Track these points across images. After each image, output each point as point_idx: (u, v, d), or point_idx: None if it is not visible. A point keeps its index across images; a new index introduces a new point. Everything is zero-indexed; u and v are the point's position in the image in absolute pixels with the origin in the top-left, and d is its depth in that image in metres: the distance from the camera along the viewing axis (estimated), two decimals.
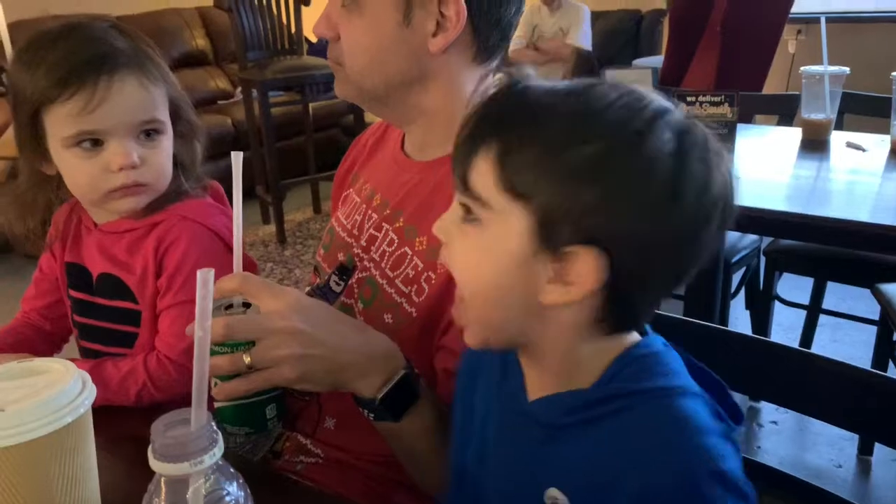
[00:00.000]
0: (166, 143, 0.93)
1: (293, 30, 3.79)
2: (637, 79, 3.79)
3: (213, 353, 0.69)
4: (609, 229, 0.54)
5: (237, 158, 0.73)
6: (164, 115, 0.93)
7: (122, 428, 0.82)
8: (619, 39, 4.65)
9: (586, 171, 0.53)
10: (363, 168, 1.03)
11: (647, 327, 0.63)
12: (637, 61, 4.25)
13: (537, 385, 0.64)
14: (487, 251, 0.58)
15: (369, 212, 0.94)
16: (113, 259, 0.96)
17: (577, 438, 0.59)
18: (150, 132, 0.91)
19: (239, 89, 4.30)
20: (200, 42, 4.73)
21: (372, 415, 0.76)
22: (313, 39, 4.36)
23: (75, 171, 0.90)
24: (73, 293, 1.00)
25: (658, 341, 0.62)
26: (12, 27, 3.48)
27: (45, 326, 1.05)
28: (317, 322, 0.72)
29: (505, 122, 0.57)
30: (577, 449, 0.59)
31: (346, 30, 0.85)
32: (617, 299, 0.57)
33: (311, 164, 4.01)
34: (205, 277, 0.50)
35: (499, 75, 0.61)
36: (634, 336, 0.62)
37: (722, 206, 0.56)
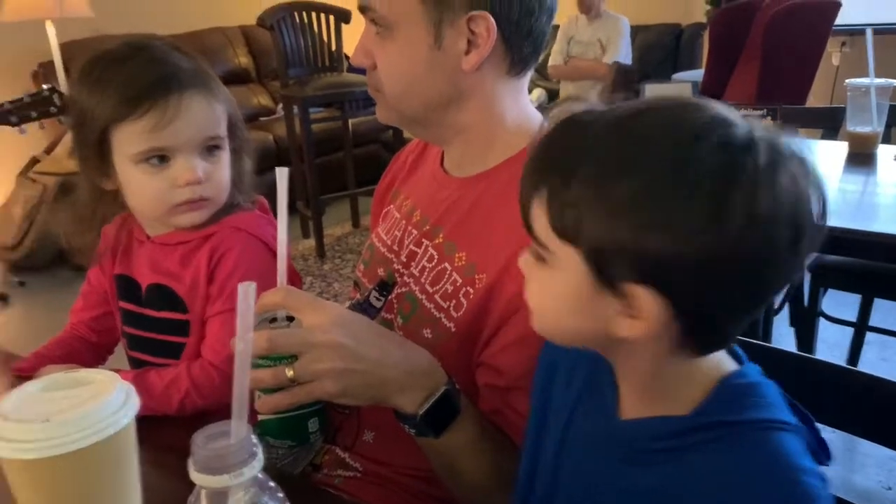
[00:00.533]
0: (226, 158, 0.97)
1: (333, 47, 3.85)
2: (676, 93, 3.76)
3: (256, 366, 0.70)
4: (655, 266, 0.52)
5: (283, 174, 0.74)
6: (224, 132, 0.96)
7: (164, 438, 0.83)
8: (659, 53, 4.61)
9: (621, 207, 0.52)
10: (403, 184, 1.04)
11: (744, 356, 0.62)
12: (677, 75, 4.22)
13: (631, 404, 0.63)
14: (554, 291, 0.59)
15: (409, 228, 0.95)
16: (164, 270, 0.98)
17: (664, 465, 0.58)
18: (212, 148, 0.95)
19: (280, 106, 4.36)
20: (243, 60, 4.82)
21: (413, 430, 0.76)
22: None
23: (143, 186, 0.93)
24: (122, 304, 1.03)
25: (755, 371, 0.61)
26: (64, 47, 3.58)
27: (92, 338, 1.08)
28: (359, 336, 0.73)
29: (550, 165, 0.57)
30: (662, 475, 0.58)
31: (381, 57, 0.86)
32: (690, 328, 0.55)
33: (351, 179, 4.05)
34: (246, 291, 0.51)
35: (555, 111, 0.60)
36: (730, 363, 0.61)
37: (792, 224, 0.53)
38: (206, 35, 4.58)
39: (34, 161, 3.66)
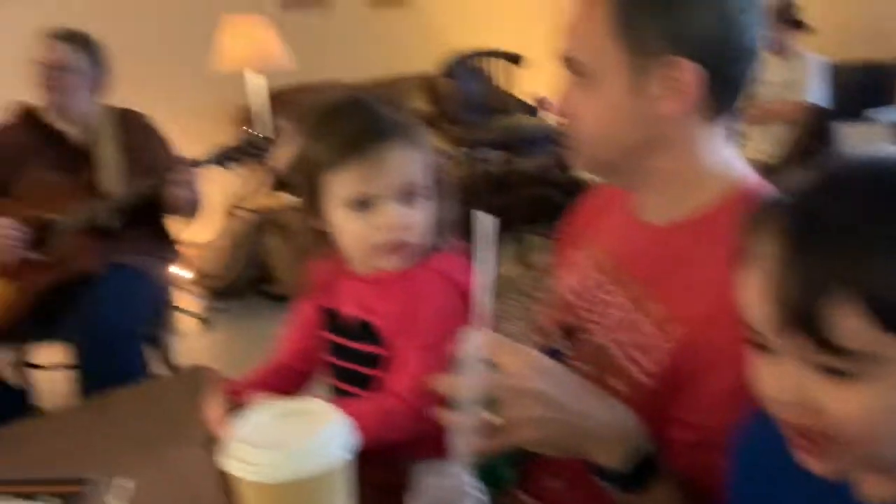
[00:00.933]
0: (426, 204, 1.03)
1: (507, 91, 3.94)
2: (871, 133, 3.47)
3: (456, 408, 0.72)
4: None
5: (479, 218, 0.76)
6: (425, 179, 1.02)
7: (363, 473, 0.87)
8: (849, 91, 4.30)
9: None
10: (591, 229, 1.04)
11: None
12: (871, 112, 3.90)
13: (875, 487, 0.57)
14: (886, 402, 0.51)
15: (598, 274, 0.95)
16: (366, 305, 1.05)
17: None
18: (412, 194, 1.01)
19: (457, 149, 4.52)
20: (423, 107, 5.03)
21: (610, 485, 0.75)
22: (528, 101, 4.50)
23: (348, 228, 1.01)
24: (327, 336, 1.10)
25: None
26: (274, 95, 3.94)
27: (299, 366, 1.15)
28: (560, 385, 0.73)
29: (860, 261, 0.49)
30: None
31: (581, 104, 0.88)
32: None
33: (522, 220, 4.09)
34: (462, 335, 0.53)
35: (778, 198, 0.53)
36: None
37: None
38: (389, 83, 4.83)
39: (239, 198, 4.02)
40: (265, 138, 2.29)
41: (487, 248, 0.75)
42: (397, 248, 1.01)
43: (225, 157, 2.22)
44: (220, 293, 3.89)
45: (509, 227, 4.05)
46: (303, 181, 1.03)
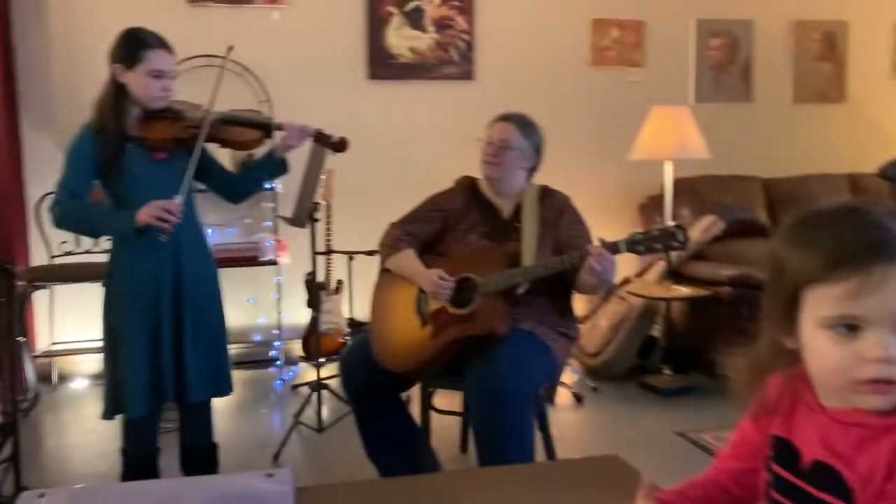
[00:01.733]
0: None
1: None
2: None
3: None
4: None
5: None
6: None
7: None
8: None
9: None
10: None
11: None
12: None
13: None
14: None
15: None
16: (834, 450, 0.91)
17: None
18: None
19: None
20: None
21: None
22: None
23: (824, 352, 0.89)
24: (776, 468, 0.98)
25: None
26: (678, 183, 3.93)
27: (733, 490, 1.05)
28: None
29: None
30: None
31: None
32: None
33: None
34: None
35: None
36: None
37: None
38: (808, 180, 4.48)
39: (625, 281, 4.03)
40: (677, 227, 2.25)
41: None
42: (885, 387, 0.85)
43: (636, 243, 2.22)
44: (594, 371, 3.91)
45: None
46: (776, 289, 0.92)
